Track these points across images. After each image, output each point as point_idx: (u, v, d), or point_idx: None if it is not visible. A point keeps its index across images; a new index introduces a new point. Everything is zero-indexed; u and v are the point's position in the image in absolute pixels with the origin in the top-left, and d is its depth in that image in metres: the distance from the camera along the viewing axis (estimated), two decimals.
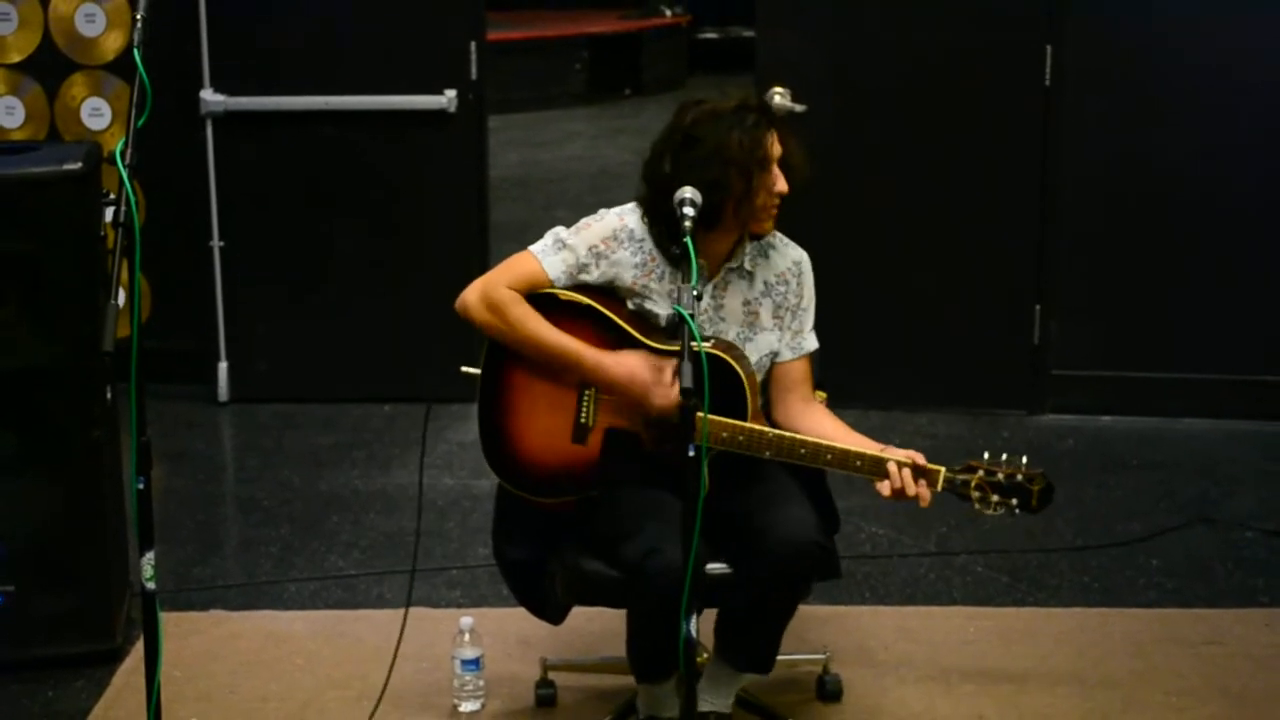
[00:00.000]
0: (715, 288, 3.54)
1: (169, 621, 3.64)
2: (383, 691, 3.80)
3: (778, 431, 3.41)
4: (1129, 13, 5.69)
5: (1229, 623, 4.32)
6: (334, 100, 5.88)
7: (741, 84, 5.68)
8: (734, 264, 3.54)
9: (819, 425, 3.52)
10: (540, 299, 3.49)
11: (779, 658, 3.73)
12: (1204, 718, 3.84)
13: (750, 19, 6.18)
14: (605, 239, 3.50)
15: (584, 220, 3.55)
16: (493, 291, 3.48)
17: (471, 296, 3.51)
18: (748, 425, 3.40)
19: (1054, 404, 5.92)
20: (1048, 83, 5.70)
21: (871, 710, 3.87)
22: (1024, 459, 3.45)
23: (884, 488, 3.39)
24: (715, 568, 3.41)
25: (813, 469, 3.58)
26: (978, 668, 4.08)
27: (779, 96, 5.60)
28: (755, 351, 3.55)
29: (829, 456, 3.39)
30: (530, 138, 11.03)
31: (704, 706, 3.56)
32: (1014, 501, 3.42)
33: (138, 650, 3.95)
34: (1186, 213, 5.77)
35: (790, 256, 3.62)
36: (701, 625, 3.29)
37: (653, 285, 3.50)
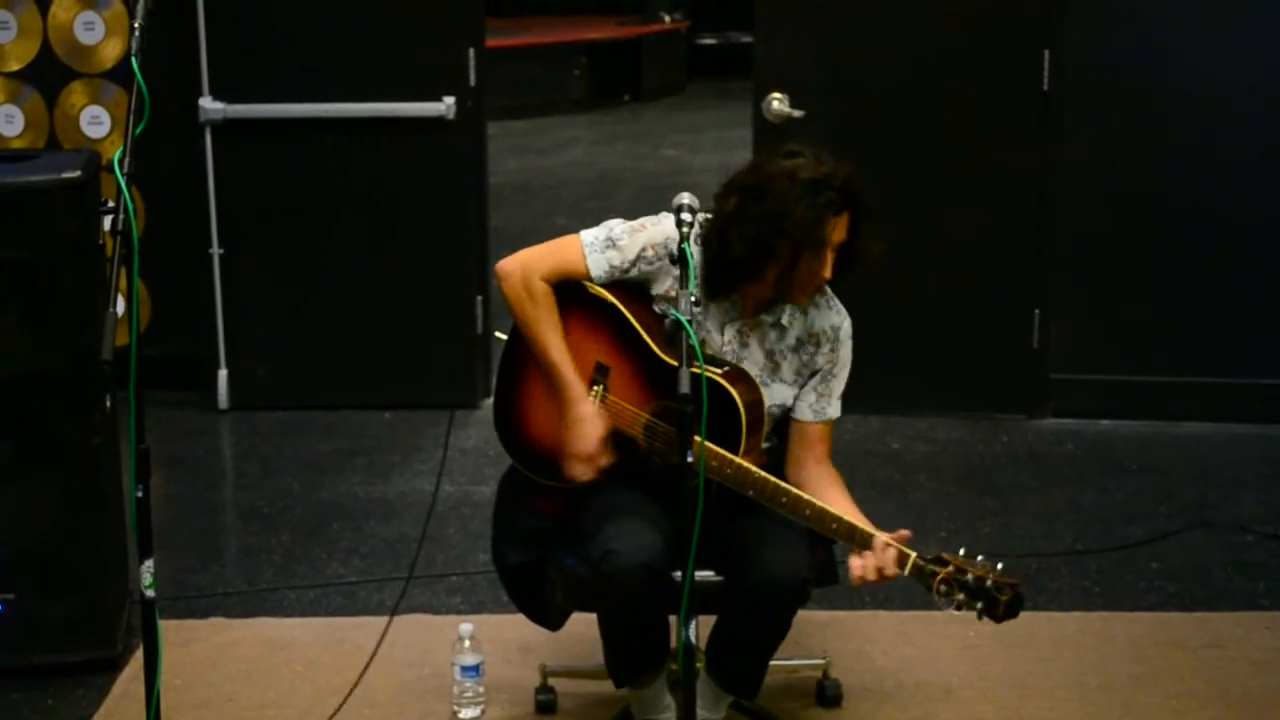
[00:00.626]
0: (743, 328, 3.52)
1: (169, 629, 3.63)
2: (349, 693, 3.80)
3: (763, 475, 3.38)
4: (1126, 17, 5.69)
5: (1229, 626, 4.32)
6: (333, 107, 5.88)
7: (743, 89, 5.71)
8: (770, 317, 3.52)
9: (822, 490, 3.49)
10: (570, 285, 3.50)
11: (777, 663, 3.73)
12: None
13: (749, 25, 6.18)
14: (655, 245, 3.48)
15: (642, 220, 3.52)
16: (530, 277, 3.48)
17: (511, 271, 3.50)
18: (736, 460, 3.37)
19: (1053, 408, 5.93)
20: (1046, 87, 5.71)
21: (871, 715, 3.87)
22: (999, 565, 3.33)
23: (855, 565, 3.33)
24: (704, 576, 3.40)
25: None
26: (977, 672, 4.07)
27: (777, 103, 5.60)
28: (768, 399, 3.52)
29: (807, 512, 3.36)
30: (530, 144, 11.04)
31: (698, 715, 3.55)
32: (979, 605, 3.29)
33: (137, 658, 3.95)
34: (1185, 216, 5.77)
35: (831, 321, 3.56)
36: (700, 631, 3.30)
37: (683, 301, 3.48)
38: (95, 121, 5.97)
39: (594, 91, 12.56)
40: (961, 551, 3.34)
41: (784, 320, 3.53)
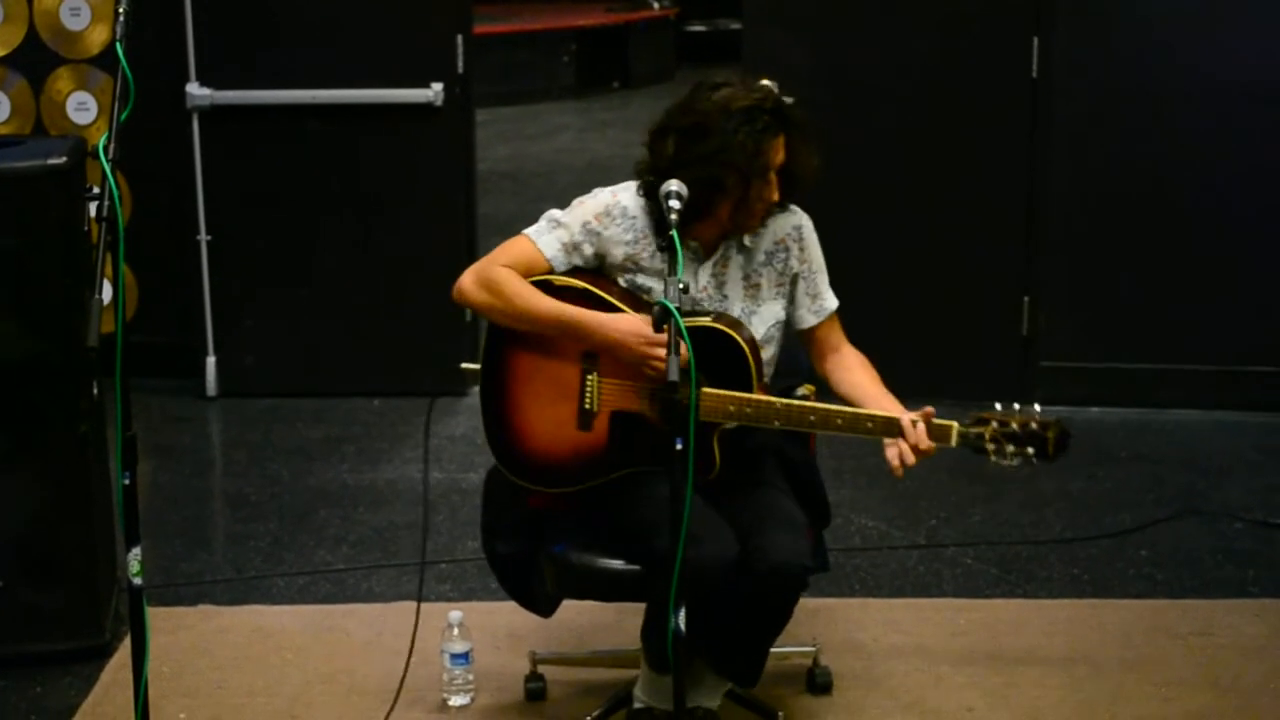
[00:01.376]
0: (715, 265, 3.53)
1: (157, 617, 3.63)
2: (399, 687, 3.79)
3: (785, 400, 3.39)
4: (1116, 3, 5.68)
5: (1218, 613, 4.32)
6: (320, 94, 5.86)
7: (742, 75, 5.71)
8: (732, 243, 3.53)
9: (850, 375, 3.56)
10: (535, 285, 3.48)
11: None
12: (1193, 708, 3.84)
13: (738, 11, 6.16)
14: (598, 215, 3.50)
15: (578, 199, 3.55)
16: (487, 271, 3.48)
17: (467, 280, 3.51)
18: (754, 397, 3.38)
19: (1043, 395, 5.87)
20: (1035, 74, 5.70)
21: (861, 703, 3.87)
22: (1036, 406, 3.43)
23: (892, 454, 3.36)
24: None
25: (805, 464, 3.58)
26: (967, 660, 4.07)
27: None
28: (761, 324, 3.54)
29: (839, 421, 3.38)
30: (518, 131, 11.02)
31: (692, 702, 3.55)
32: (1030, 450, 3.39)
33: (126, 646, 3.94)
34: (1175, 204, 5.77)
35: (790, 222, 3.58)
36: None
37: (644, 261, 3.50)
38: (81, 108, 5.95)
39: (583, 78, 12.53)
40: (997, 406, 3.42)
41: (746, 241, 3.54)
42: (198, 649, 4.15)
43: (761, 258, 3.56)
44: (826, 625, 4.22)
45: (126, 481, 2.95)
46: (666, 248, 3.17)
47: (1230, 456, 5.48)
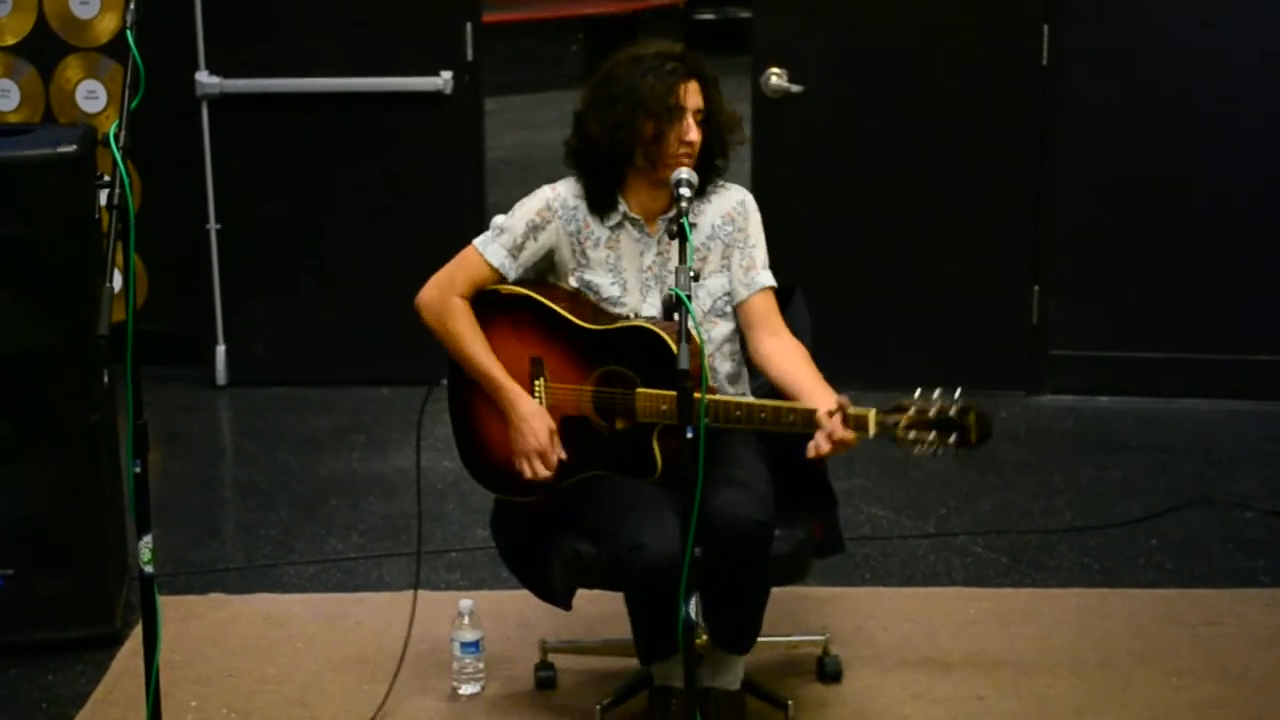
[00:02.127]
0: (660, 247, 3.56)
1: (168, 605, 3.63)
2: (396, 673, 3.80)
3: (711, 397, 3.37)
4: None
5: (1228, 603, 4.32)
6: (329, 82, 5.86)
7: (741, 64, 5.71)
8: (670, 215, 3.55)
9: (783, 362, 3.51)
10: (482, 295, 3.57)
11: (777, 639, 3.74)
12: (1203, 698, 3.84)
13: (747, 0, 6.15)
14: (539, 211, 3.57)
15: (519, 201, 3.62)
16: (442, 298, 3.61)
17: (424, 300, 3.65)
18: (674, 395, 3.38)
19: (1052, 384, 5.92)
20: (1045, 62, 5.69)
21: (871, 691, 3.87)
22: (958, 392, 3.26)
23: (809, 445, 3.31)
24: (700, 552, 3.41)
25: (803, 451, 3.57)
26: (977, 649, 4.07)
27: (775, 78, 5.59)
28: (708, 296, 3.56)
29: (763, 415, 3.36)
30: (527, 119, 11.00)
31: (710, 683, 3.55)
32: (951, 439, 3.23)
33: (137, 634, 3.94)
34: (1185, 193, 5.76)
35: (734, 197, 3.64)
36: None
37: (590, 253, 3.53)
38: (91, 96, 5.95)
39: (591, 66, 12.49)
40: (918, 392, 3.27)
41: (690, 218, 3.52)
42: (209, 637, 4.16)
43: (708, 230, 3.59)
44: (836, 614, 4.22)
45: (137, 470, 2.96)
46: (677, 234, 3.19)
47: (1241, 446, 5.47)
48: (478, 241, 3.61)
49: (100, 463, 4.08)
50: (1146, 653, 4.05)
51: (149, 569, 3.00)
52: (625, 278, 3.56)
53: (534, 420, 3.51)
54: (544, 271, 3.63)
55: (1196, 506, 4.97)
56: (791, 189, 5.72)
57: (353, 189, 5.99)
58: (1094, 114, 5.73)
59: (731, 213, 3.61)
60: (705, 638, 3.64)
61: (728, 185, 3.65)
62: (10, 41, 5.91)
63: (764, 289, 3.60)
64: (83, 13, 5.90)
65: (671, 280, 3.52)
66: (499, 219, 3.61)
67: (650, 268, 3.56)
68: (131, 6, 3.06)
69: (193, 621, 4.23)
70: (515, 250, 3.57)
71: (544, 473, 3.50)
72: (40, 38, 5.90)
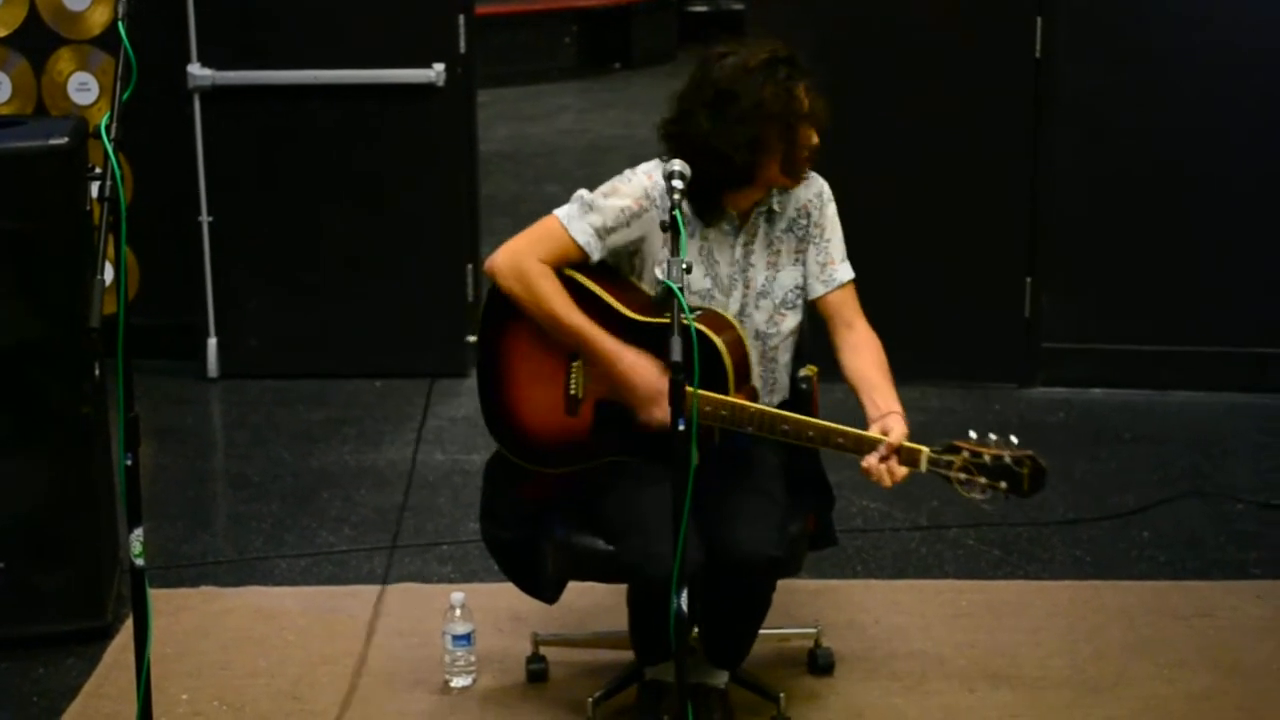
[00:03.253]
0: (745, 235, 3.53)
1: (159, 598, 3.62)
2: (360, 665, 3.79)
3: (759, 407, 3.38)
4: None
5: (1220, 595, 4.32)
6: (322, 74, 5.85)
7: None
8: (762, 207, 3.53)
9: (854, 361, 3.51)
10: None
11: (769, 632, 3.73)
12: (1195, 689, 3.84)
13: None
14: (637, 198, 3.47)
15: (611, 182, 3.51)
16: (523, 261, 3.45)
17: (501, 263, 3.47)
18: (730, 400, 3.37)
19: (1045, 377, 5.92)
20: (1038, 54, 5.69)
21: (863, 684, 3.87)
22: (1013, 438, 3.31)
23: (868, 463, 3.33)
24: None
25: (805, 450, 3.57)
26: (969, 641, 4.07)
27: None
28: (780, 289, 3.54)
29: (810, 434, 3.35)
30: (520, 112, 10.99)
31: (698, 679, 3.56)
32: (1003, 485, 3.27)
33: (128, 627, 3.93)
34: (1178, 184, 5.76)
35: (812, 189, 3.58)
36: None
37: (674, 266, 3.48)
38: (83, 88, 5.93)
39: (584, 59, 12.49)
40: (972, 434, 3.30)
41: (774, 205, 3.54)
42: (200, 630, 4.15)
43: (784, 224, 3.56)
44: (828, 606, 4.22)
45: (129, 463, 2.95)
46: (670, 227, 3.16)
47: (1233, 438, 5.47)
48: (561, 213, 3.48)
49: (91, 456, 4.07)
50: (1139, 644, 4.05)
51: (140, 562, 2.99)
52: (717, 270, 3.52)
53: (642, 367, 3.40)
54: (625, 259, 3.53)
55: (1189, 499, 4.98)
56: None
57: (345, 181, 5.98)
58: (1086, 106, 5.72)
59: (808, 205, 3.57)
60: (696, 632, 3.64)
61: (810, 174, 3.58)
62: (2, 33, 5.90)
63: (842, 285, 3.59)
64: (75, 5, 5.89)
65: (751, 273, 3.51)
66: (586, 195, 3.48)
67: (736, 261, 3.52)
68: None
69: (184, 614, 4.22)
70: (604, 232, 3.46)
71: (663, 416, 3.24)
72: (32, 30, 5.89)
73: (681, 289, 3.00)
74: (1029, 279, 5.84)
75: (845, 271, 3.60)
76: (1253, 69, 5.66)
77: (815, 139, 3.45)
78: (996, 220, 5.83)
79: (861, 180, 5.78)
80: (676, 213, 3.15)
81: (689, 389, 2.96)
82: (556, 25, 12.42)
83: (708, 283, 3.51)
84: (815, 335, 3.69)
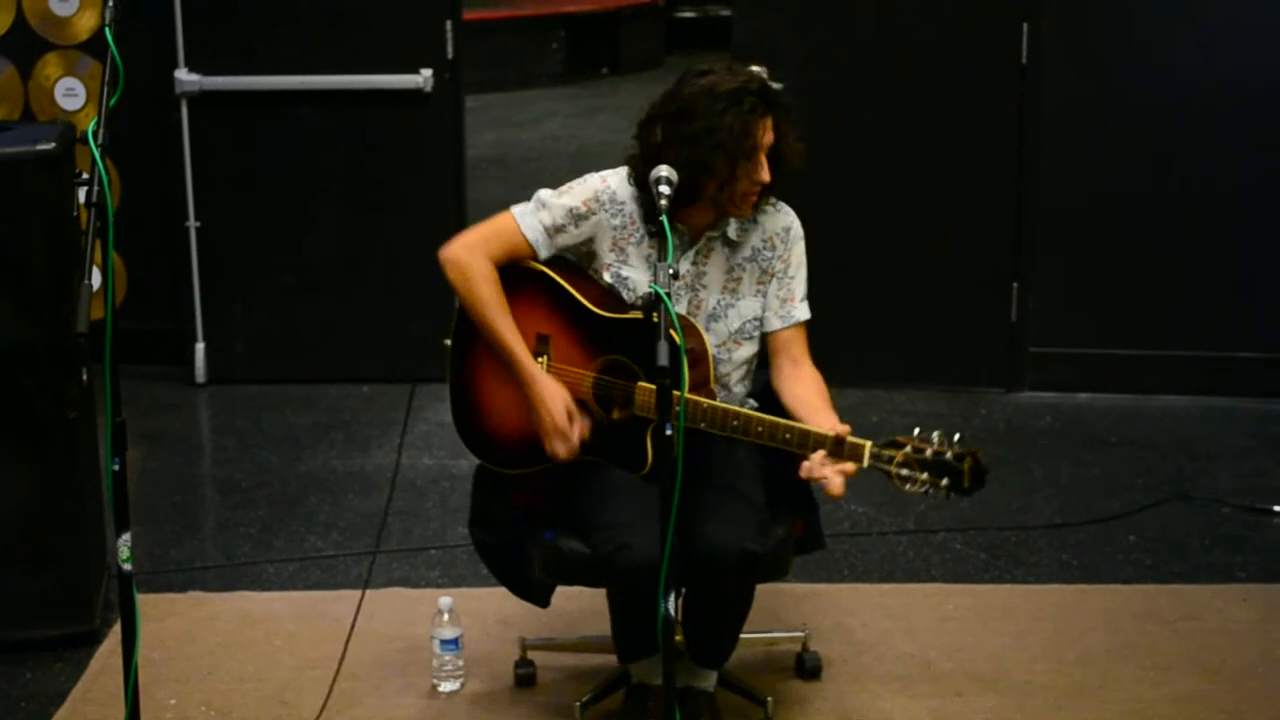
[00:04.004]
0: (698, 254, 3.54)
1: (147, 603, 3.63)
2: (347, 670, 3.79)
3: (711, 403, 3.38)
4: None
5: (1206, 598, 4.34)
6: (309, 80, 5.85)
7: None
8: (715, 232, 3.54)
9: (796, 388, 3.51)
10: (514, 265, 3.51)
11: (756, 636, 3.74)
12: (1181, 693, 3.86)
13: None
14: (586, 200, 3.51)
15: (569, 183, 3.55)
16: (471, 258, 3.49)
17: (451, 255, 3.51)
18: (710, 402, 3.38)
19: (1032, 381, 5.93)
20: (1024, 60, 5.70)
21: (850, 688, 3.88)
22: (957, 436, 3.29)
23: (803, 468, 3.30)
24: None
25: (785, 454, 3.58)
26: (956, 645, 4.08)
27: None
28: (738, 318, 3.55)
29: (759, 429, 3.36)
30: (508, 117, 11.00)
31: (686, 683, 3.56)
32: (944, 481, 3.24)
33: (116, 632, 3.93)
34: (1163, 190, 5.77)
35: (781, 222, 3.59)
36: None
37: (630, 249, 3.51)
38: (70, 94, 5.93)
39: (572, 65, 12.50)
40: (917, 431, 3.29)
41: (731, 234, 3.54)
42: (188, 635, 4.15)
43: (748, 252, 3.56)
44: (815, 610, 4.23)
45: (116, 468, 2.95)
46: (657, 233, 3.17)
47: (1218, 442, 5.49)
48: (516, 210, 3.53)
49: (79, 461, 4.07)
50: (1125, 648, 4.06)
51: (127, 567, 2.99)
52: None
53: (553, 399, 3.44)
54: (581, 257, 3.57)
55: (1175, 502, 4.99)
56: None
57: (333, 187, 5.98)
58: (1073, 112, 5.74)
59: (774, 238, 3.57)
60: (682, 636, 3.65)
61: (777, 205, 3.59)
62: None
63: (798, 323, 3.59)
64: (62, 10, 5.88)
65: (704, 294, 3.53)
66: (543, 193, 3.53)
67: (684, 277, 3.53)
68: (110, 4, 3.04)
69: (172, 619, 4.22)
70: (553, 230, 3.51)
71: (568, 451, 3.44)
72: (19, 35, 5.88)
73: (669, 293, 3.02)
74: (1015, 284, 5.86)
75: (803, 311, 3.60)
76: (1239, 76, 5.68)
77: (765, 176, 3.42)
78: (984, 225, 5.84)
79: (848, 186, 5.82)
80: (664, 218, 3.17)
81: (675, 393, 2.98)
82: (544, 31, 12.43)
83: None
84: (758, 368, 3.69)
